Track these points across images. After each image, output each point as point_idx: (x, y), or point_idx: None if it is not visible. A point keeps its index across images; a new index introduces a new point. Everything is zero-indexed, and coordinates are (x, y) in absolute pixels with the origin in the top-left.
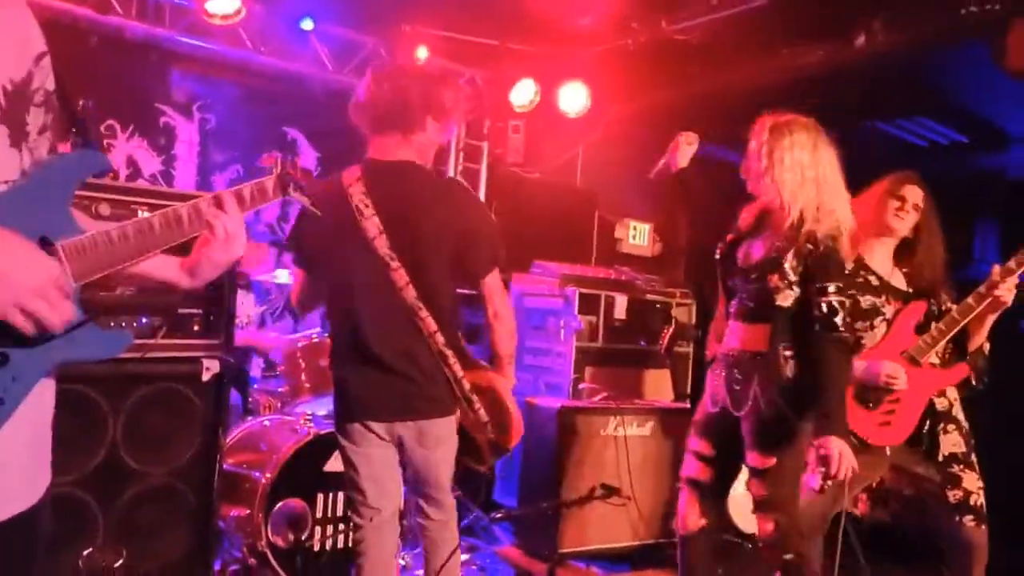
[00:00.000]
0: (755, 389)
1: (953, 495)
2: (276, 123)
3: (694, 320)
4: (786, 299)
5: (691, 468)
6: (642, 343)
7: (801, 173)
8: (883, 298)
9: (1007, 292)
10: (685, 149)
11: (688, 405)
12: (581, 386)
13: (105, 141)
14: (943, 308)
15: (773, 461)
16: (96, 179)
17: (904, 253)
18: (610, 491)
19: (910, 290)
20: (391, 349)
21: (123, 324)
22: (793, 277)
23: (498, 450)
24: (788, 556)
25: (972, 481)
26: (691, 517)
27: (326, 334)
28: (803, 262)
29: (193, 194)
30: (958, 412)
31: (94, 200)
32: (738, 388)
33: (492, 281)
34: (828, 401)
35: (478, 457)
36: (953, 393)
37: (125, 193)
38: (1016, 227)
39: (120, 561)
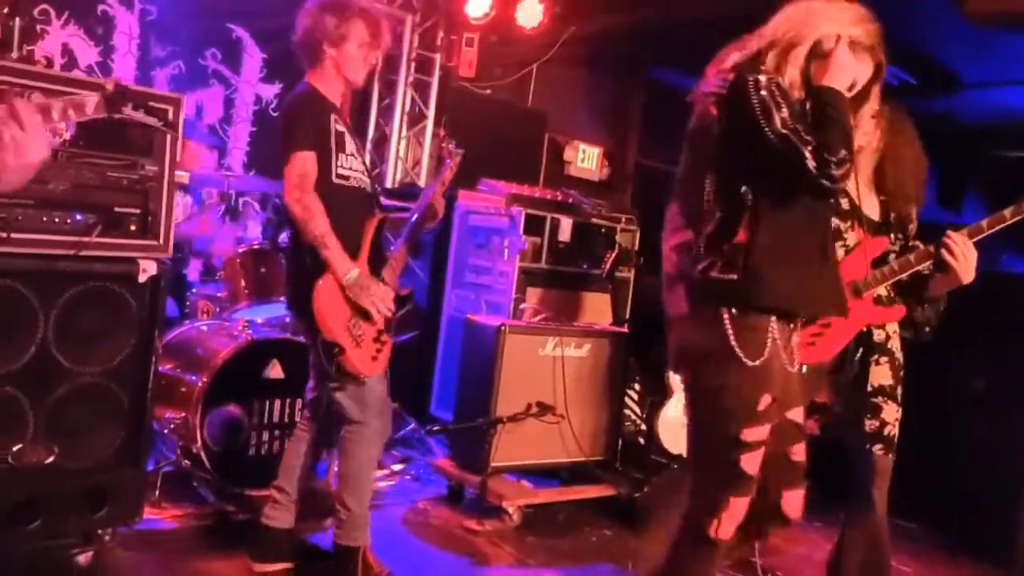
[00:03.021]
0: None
1: (870, 424)
2: (221, 19)
3: (637, 246)
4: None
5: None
6: (584, 266)
7: None
8: (848, 223)
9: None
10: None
11: (626, 329)
12: (522, 306)
13: (38, 27)
14: (909, 243)
15: None
16: (28, 66)
17: (880, 177)
18: (544, 409)
19: (879, 220)
20: None
21: (55, 219)
22: None
23: (328, 351)
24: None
25: (891, 413)
26: (736, 524)
27: (267, 242)
28: None
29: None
30: (894, 345)
31: (27, 89)
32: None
33: (286, 171)
34: None
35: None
36: (893, 326)
37: (63, 83)
38: (955, 172)
39: (51, 458)
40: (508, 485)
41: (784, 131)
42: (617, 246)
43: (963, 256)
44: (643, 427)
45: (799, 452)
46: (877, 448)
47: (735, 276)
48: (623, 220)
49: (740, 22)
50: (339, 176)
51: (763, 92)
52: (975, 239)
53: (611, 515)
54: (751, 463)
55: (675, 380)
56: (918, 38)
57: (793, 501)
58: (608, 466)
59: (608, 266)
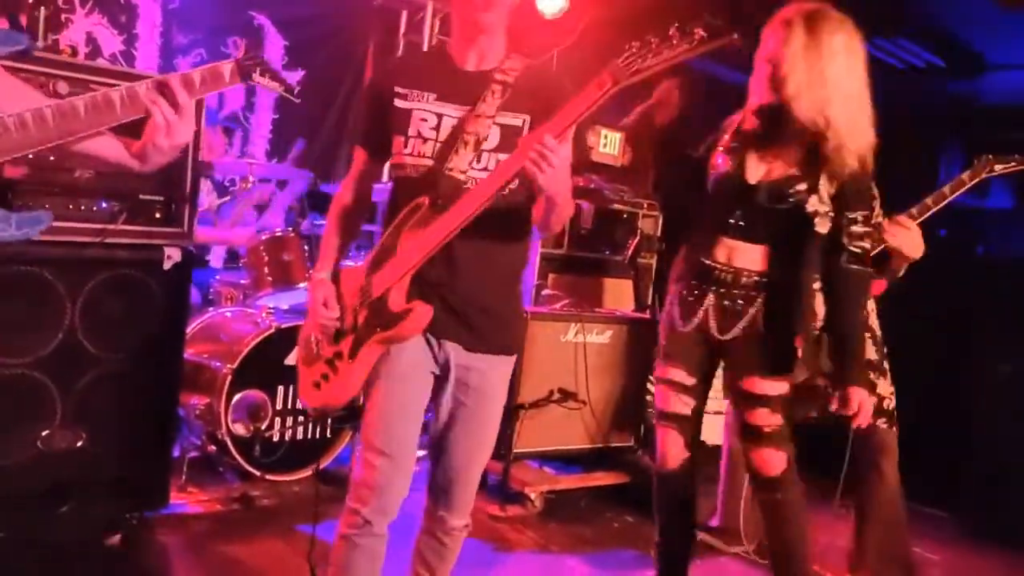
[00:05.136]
0: (755, 312)
1: None
2: (242, 7)
3: (659, 232)
4: (824, 226)
5: (670, 402)
6: (606, 252)
7: (842, 83)
8: None
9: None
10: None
11: (648, 316)
12: (544, 292)
13: (63, 16)
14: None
15: (787, 387)
16: (54, 55)
17: None
18: (566, 395)
19: None
20: None
21: (81, 207)
22: (827, 201)
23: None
24: (784, 495)
25: (884, 387)
26: (673, 453)
27: (289, 229)
28: (840, 186)
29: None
30: (873, 321)
31: (51, 78)
32: (733, 308)
33: None
34: (860, 345)
35: None
36: (871, 303)
37: (87, 72)
38: (981, 154)
39: (80, 443)
40: (530, 471)
41: None
42: (639, 232)
43: (901, 235)
44: None
45: (755, 416)
46: (880, 422)
47: None
48: (645, 206)
49: (766, 6)
50: (395, 166)
51: None
52: (923, 216)
53: (633, 501)
54: (658, 397)
55: None
56: (946, 20)
57: (758, 459)
58: (630, 452)
59: (630, 252)
